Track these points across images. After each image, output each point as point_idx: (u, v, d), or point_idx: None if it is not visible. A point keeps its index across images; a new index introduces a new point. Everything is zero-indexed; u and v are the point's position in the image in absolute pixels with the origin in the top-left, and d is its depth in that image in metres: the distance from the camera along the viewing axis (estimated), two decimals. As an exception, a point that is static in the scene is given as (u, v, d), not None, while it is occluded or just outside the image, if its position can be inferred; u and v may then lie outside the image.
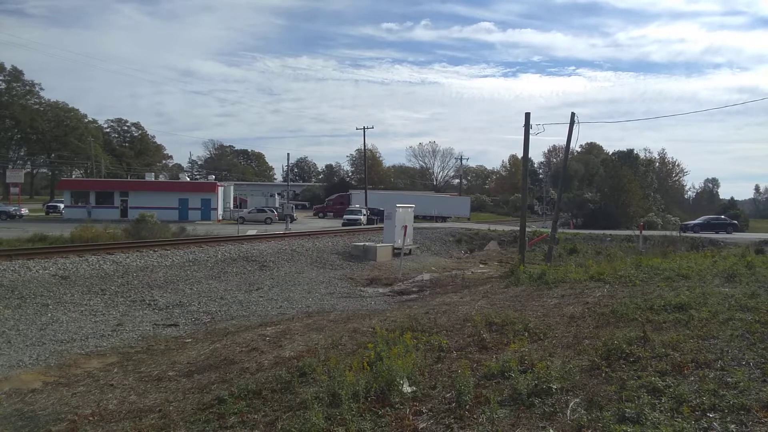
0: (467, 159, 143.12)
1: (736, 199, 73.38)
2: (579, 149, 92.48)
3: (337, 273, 21.84)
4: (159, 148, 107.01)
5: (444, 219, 55.27)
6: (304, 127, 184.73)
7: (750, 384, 4.49)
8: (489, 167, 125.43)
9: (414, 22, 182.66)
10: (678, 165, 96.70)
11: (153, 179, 53.64)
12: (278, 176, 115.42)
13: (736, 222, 42.63)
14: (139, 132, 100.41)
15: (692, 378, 4.84)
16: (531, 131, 22.01)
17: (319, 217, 57.18)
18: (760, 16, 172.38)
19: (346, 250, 26.18)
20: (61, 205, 46.98)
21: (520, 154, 68.09)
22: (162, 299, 15.44)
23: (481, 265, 25.63)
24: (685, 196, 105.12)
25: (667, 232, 34.79)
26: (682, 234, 34.38)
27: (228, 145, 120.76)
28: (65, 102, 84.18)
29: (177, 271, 18.57)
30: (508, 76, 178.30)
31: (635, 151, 63.60)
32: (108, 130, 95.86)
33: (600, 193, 57.58)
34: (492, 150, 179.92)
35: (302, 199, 78.47)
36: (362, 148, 59.67)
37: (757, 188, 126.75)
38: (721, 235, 34.46)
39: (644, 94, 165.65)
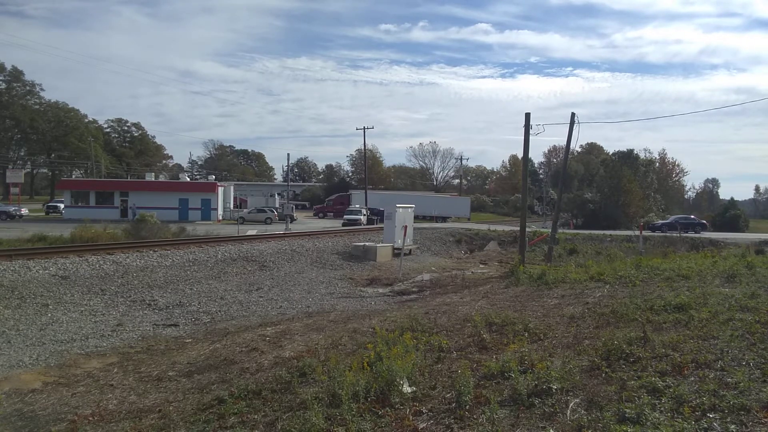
0: (467, 159, 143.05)
1: (736, 199, 73.06)
2: (579, 149, 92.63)
3: (337, 273, 21.83)
4: (159, 148, 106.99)
5: (444, 219, 55.26)
6: (304, 127, 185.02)
7: (750, 384, 4.48)
8: (489, 167, 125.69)
9: (412, 23, 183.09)
10: (678, 165, 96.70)
11: (153, 179, 53.67)
12: (278, 176, 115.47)
13: (705, 222, 45.05)
14: (139, 132, 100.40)
15: (692, 378, 4.83)
16: (531, 131, 21.98)
17: (319, 218, 57.17)
18: (755, 18, 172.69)
19: (346, 250, 26.17)
20: (61, 205, 46.96)
21: (519, 154, 68.25)
22: (162, 299, 15.44)
23: (481, 266, 25.62)
24: (686, 197, 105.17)
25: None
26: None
27: (228, 145, 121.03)
28: (65, 102, 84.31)
29: (177, 271, 18.57)
30: (506, 76, 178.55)
31: (635, 152, 63.48)
32: (108, 130, 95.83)
33: (600, 193, 57.46)
34: (491, 150, 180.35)
35: (302, 200, 78.44)
36: (362, 148, 59.75)
37: (757, 188, 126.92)
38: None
39: (642, 94, 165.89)
